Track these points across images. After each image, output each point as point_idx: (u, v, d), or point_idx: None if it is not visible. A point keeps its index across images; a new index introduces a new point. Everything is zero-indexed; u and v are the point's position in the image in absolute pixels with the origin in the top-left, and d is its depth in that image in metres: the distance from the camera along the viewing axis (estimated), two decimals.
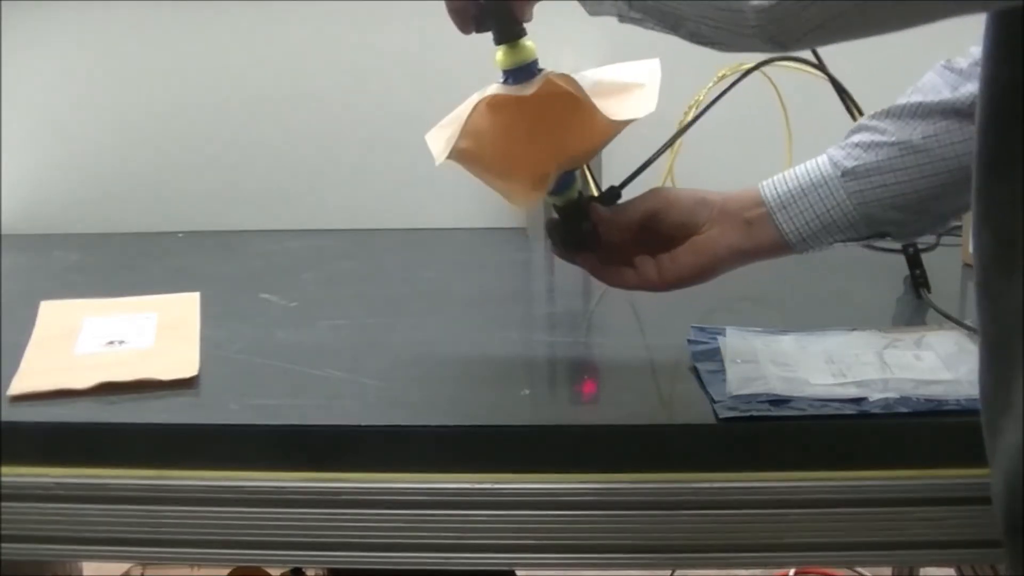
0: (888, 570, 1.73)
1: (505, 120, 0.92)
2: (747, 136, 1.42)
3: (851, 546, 0.91)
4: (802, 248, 0.96)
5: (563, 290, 1.39)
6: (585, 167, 1.03)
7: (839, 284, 1.28)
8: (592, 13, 0.83)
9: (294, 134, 1.53)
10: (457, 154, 0.91)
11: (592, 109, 0.89)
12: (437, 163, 0.91)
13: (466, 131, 0.90)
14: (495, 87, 0.91)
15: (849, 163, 0.93)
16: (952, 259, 1.28)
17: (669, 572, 1.49)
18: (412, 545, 0.92)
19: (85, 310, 1.16)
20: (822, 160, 0.95)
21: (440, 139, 0.93)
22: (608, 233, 0.98)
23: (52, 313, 1.15)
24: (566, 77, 0.89)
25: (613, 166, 1.03)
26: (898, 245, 1.20)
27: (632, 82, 0.93)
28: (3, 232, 1.52)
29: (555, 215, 0.99)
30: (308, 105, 1.52)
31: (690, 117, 1.36)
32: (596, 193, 1.01)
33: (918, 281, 1.17)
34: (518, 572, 1.27)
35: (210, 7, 1.48)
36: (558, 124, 0.92)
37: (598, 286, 1.37)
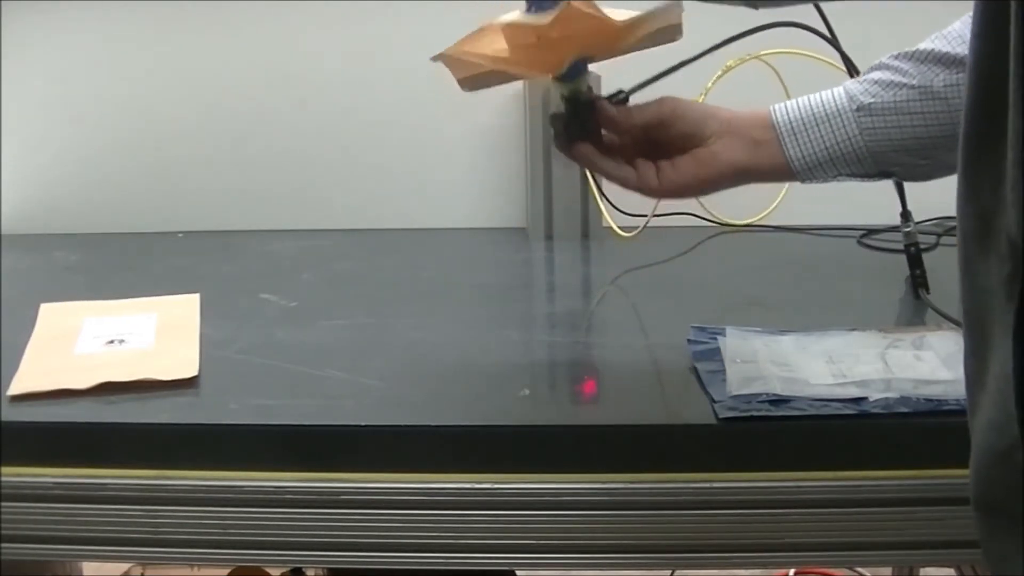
0: (888, 570, 1.73)
1: (521, 40, 0.91)
2: None
3: (851, 546, 0.91)
4: (805, 177, 0.95)
5: (563, 290, 1.39)
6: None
7: (839, 284, 1.28)
8: None
9: (294, 134, 1.53)
10: (456, 62, 0.90)
11: (614, 24, 0.88)
12: (432, 55, 0.90)
13: (475, 47, 0.89)
14: (515, 13, 0.89)
15: (866, 99, 0.93)
16: (953, 259, 1.27)
17: (669, 572, 1.49)
18: (412, 545, 0.92)
19: (85, 312, 1.16)
20: (838, 92, 0.94)
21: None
22: (611, 133, 0.97)
23: (52, 315, 1.15)
24: (588, 3, 0.87)
25: None
26: (899, 245, 1.19)
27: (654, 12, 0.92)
28: (3, 232, 1.52)
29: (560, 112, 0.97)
30: (308, 105, 1.52)
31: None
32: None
33: (917, 281, 1.17)
34: (518, 572, 1.27)
35: (210, 7, 1.48)
36: (578, 42, 0.91)
37: (598, 286, 1.37)
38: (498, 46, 0.90)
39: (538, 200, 1.45)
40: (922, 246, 1.19)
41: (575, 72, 0.93)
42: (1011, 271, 0.62)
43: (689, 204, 1.45)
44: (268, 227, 1.53)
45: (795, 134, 0.94)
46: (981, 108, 0.64)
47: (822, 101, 0.95)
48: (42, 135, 1.54)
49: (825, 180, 0.96)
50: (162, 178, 1.54)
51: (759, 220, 1.46)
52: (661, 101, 0.97)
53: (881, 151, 0.93)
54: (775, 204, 1.44)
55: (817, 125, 0.94)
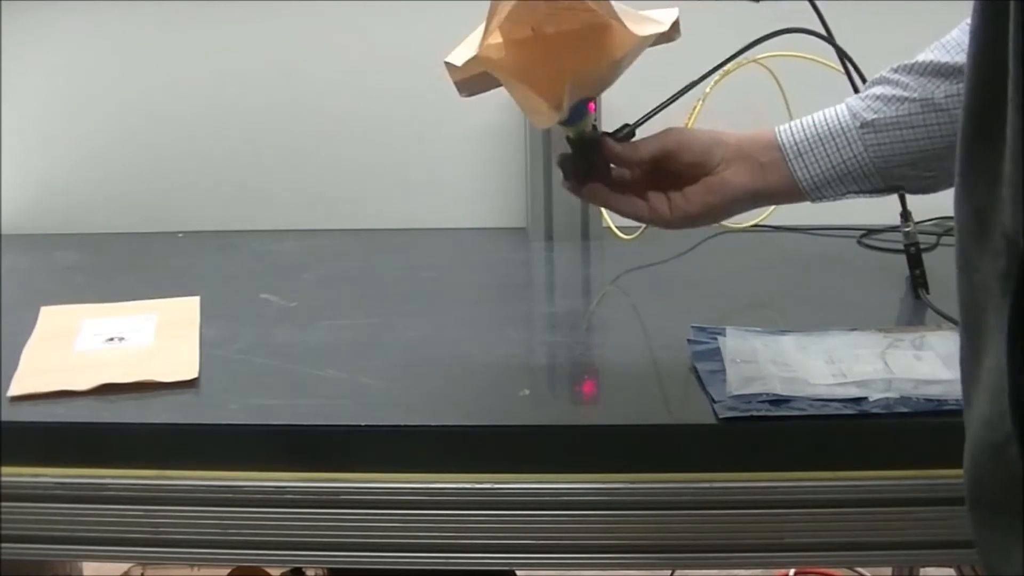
0: (888, 570, 1.73)
1: (522, 33, 0.91)
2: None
3: (851, 546, 0.91)
4: (815, 197, 0.95)
5: (563, 290, 1.39)
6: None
7: (839, 284, 1.28)
8: None
9: (294, 134, 1.53)
10: (476, 62, 0.91)
11: (608, 23, 0.88)
12: (445, 58, 0.90)
13: (484, 41, 0.89)
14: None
15: (869, 115, 0.93)
16: (953, 259, 1.27)
17: (669, 572, 1.49)
18: (412, 545, 0.92)
19: (85, 314, 1.16)
20: (841, 110, 0.95)
21: (458, 54, 0.92)
22: (619, 169, 0.97)
23: (52, 317, 1.15)
24: None
25: None
26: (899, 245, 1.19)
27: (650, 16, 0.92)
28: (3, 232, 1.52)
29: (568, 151, 0.98)
30: (308, 105, 1.52)
31: (697, 110, 1.37)
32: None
33: (917, 281, 1.17)
34: (518, 572, 1.27)
35: (211, 8, 1.48)
36: (575, 39, 0.90)
37: (598, 286, 1.37)
38: (496, 41, 0.91)
39: (538, 200, 1.45)
40: (923, 246, 1.19)
41: (578, 114, 0.94)
42: (1006, 267, 0.62)
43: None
44: (268, 227, 1.53)
45: (801, 155, 0.94)
46: (979, 104, 0.64)
47: (826, 120, 0.95)
48: (42, 135, 1.54)
49: (835, 198, 0.96)
50: (162, 178, 1.54)
51: (759, 220, 1.46)
52: (667, 133, 0.97)
53: (887, 167, 0.93)
54: None
55: (823, 144, 0.94)
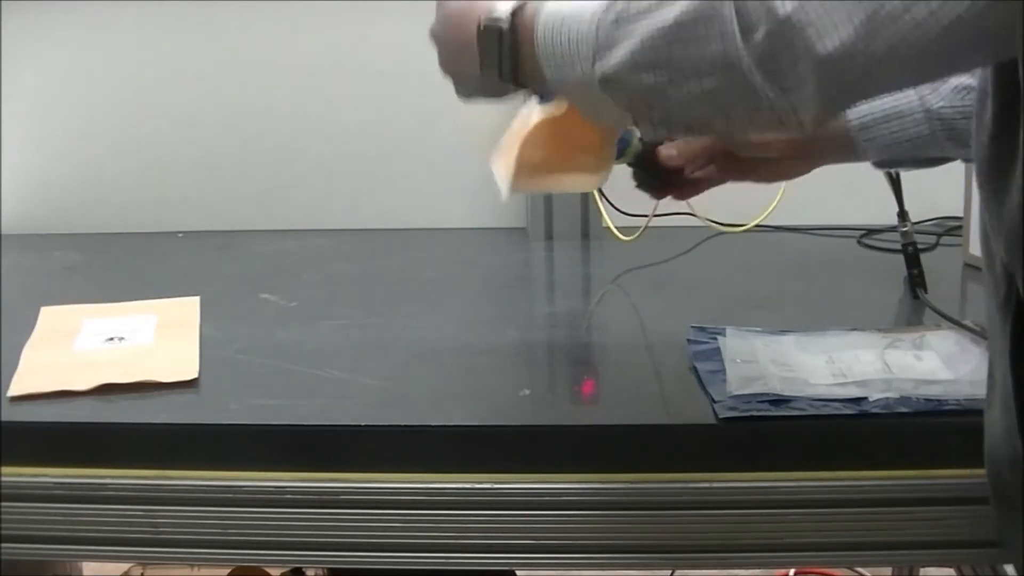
0: (888, 570, 1.73)
1: (551, 135, 0.92)
2: None
3: (851, 546, 0.91)
4: (863, 136, 0.97)
5: (563, 290, 1.39)
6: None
7: (839, 284, 1.28)
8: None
9: (294, 135, 1.53)
10: (521, 184, 0.94)
11: None
12: (504, 199, 0.94)
13: (521, 162, 0.91)
14: (536, 111, 0.91)
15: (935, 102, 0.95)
16: (953, 259, 1.28)
17: (669, 572, 1.49)
18: (412, 545, 0.92)
19: (85, 314, 1.16)
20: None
21: (500, 169, 0.95)
22: (683, 165, 1.01)
23: (52, 317, 1.15)
24: None
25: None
26: (898, 245, 1.19)
27: None
28: (3, 232, 1.52)
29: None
30: (308, 105, 1.52)
31: None
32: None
33: (915, 281, 1.17)
34: (518, 572, 1.27)
35: (210, 8, 1.49)
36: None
37: (598, 286, 1.37)
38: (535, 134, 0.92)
39: (538, 200, 1.45)
40: (921, 246, 1.19)
41: (623, 145, 0.97)
42: (1005, 295, 0.65)
43: (682, 205, 1.45)
44: (268, 227, 1.53)
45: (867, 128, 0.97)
46: (1004, 122, 0.65)
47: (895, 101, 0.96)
48: (42, 135, 1.54)
49: (884, 141, 0.97)
50: (162, 178, 1.54)
51: (759, 220, 1.46)
52: None
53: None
54: (775, 204, 1.44)
55: (888, 121, 0.96)
